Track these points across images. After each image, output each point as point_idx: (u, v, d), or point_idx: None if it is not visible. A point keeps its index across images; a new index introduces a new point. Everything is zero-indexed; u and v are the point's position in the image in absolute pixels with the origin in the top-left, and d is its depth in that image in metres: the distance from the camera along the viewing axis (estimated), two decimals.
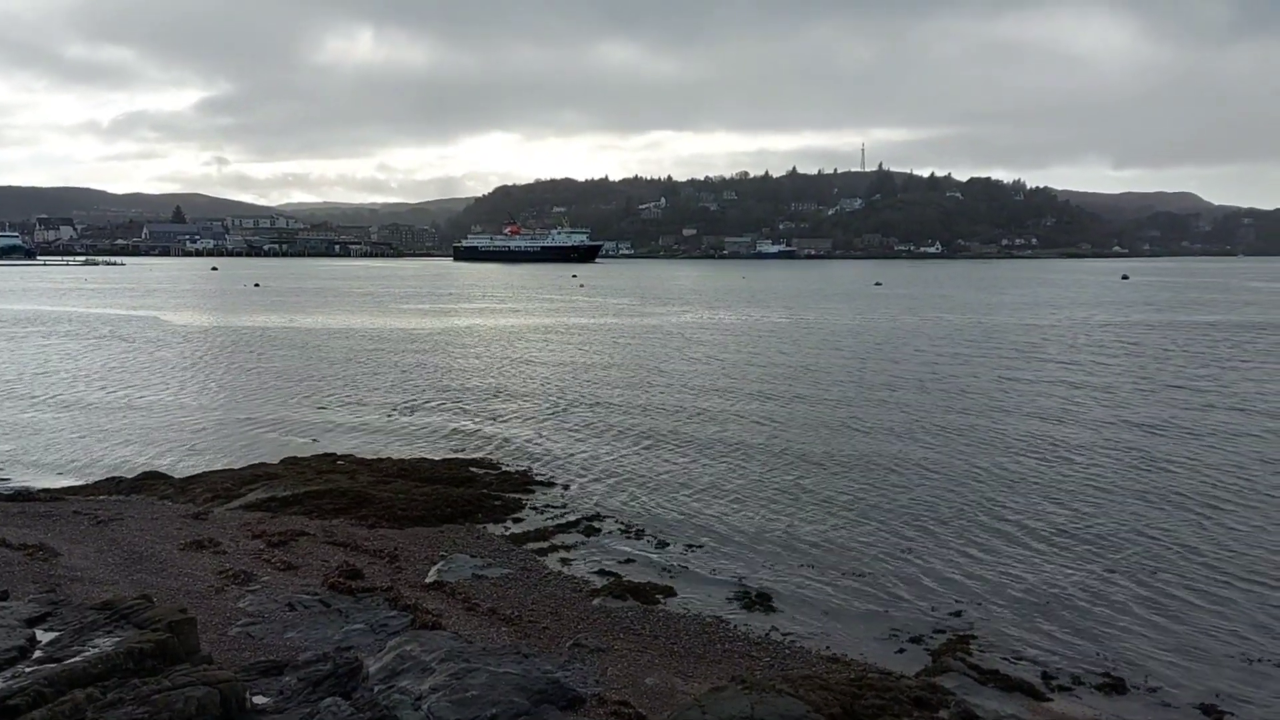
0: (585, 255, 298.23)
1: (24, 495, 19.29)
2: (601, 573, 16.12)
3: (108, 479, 22.14)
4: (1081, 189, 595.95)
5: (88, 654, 9.06)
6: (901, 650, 13.30)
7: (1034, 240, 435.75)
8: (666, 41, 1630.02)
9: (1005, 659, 12.97)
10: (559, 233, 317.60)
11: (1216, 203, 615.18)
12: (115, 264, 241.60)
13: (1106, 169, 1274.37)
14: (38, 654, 9.20)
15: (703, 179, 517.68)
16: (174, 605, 11.01)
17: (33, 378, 39.88)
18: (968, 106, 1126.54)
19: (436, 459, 24.60)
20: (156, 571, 14.06)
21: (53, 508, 17.88)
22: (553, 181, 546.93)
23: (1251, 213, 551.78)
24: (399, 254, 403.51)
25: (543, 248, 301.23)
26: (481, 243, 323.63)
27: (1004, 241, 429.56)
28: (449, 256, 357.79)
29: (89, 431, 28.62)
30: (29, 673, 8.63)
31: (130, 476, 22.24)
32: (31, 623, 9.98)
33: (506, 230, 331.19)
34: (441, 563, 16.03)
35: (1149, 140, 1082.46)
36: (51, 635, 9.68)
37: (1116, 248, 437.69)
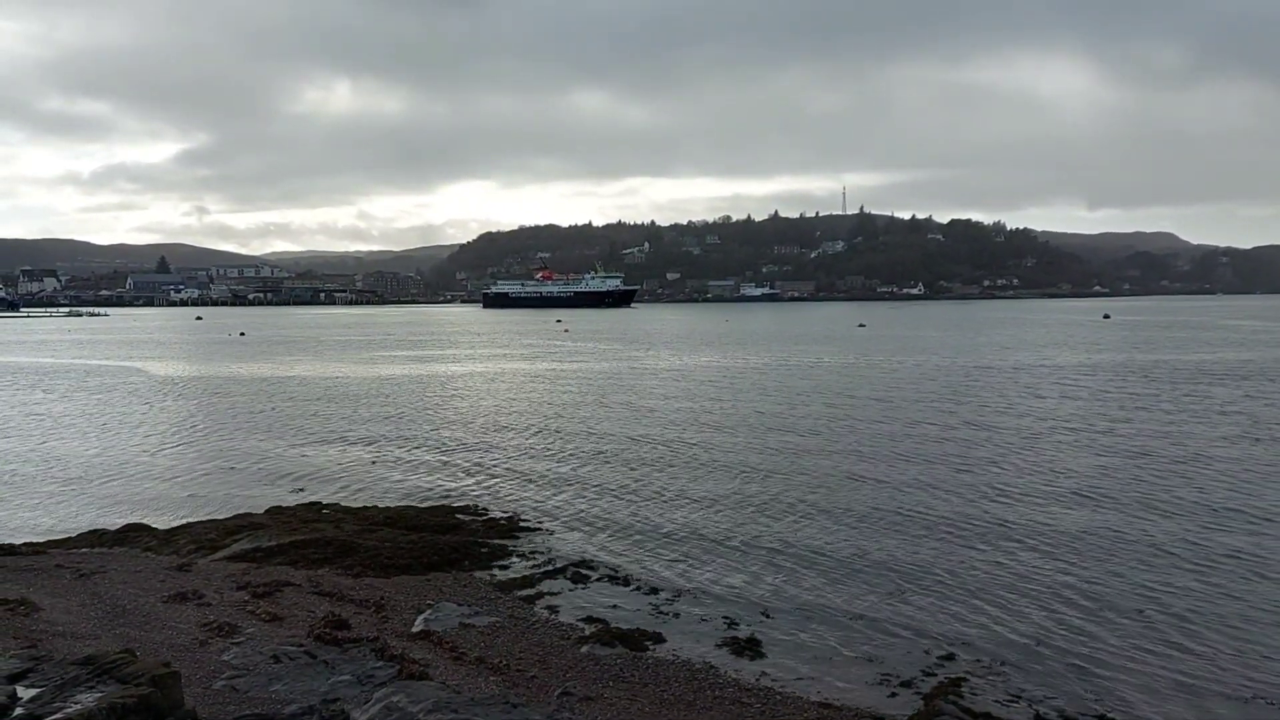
0: (620, 300, 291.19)
1: (4, 549, 19.01)
2: (590, 619, 16.00)
3: (90, 531, 21.88)
4: (1061, 230, 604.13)
5: (70, 711, 8.90)
6: (893, 695, 13.22)
7: (1015, 281, 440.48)
8: (636, 89, 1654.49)
9: (997, 701, 12.91)
10: (592, 277, 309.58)
11: (1195, 242, 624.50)
12: (99, 315, 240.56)
13: (1080, 210, 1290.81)
14: (19, 711, 9.03)
15: (685, 223, 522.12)
16: (157, 659, 10.86)
17: (13, 430, 39.55)
18: (937, 150, 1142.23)
19: (422, 506, 24.44)
20: (140, 625, 13.87)
21: (34, 561, 17.65)
22: (536, 228, 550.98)
23: (1229, 251, 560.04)
24: (384, 301, 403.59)
25: (576, 293, 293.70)
26: (512, 289, 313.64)
27: (985, 282, 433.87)
28: (434, 303, 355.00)
29: (71, 483, 28.35)
30: None
31: (113, 528, 21.97)
32: (12, 679, 9.81)
33: (538, 275, 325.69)
34: (428, 611, 15.89)
35: (1120, 181, 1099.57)
36: (33, 692, 9.51)
37: (1097, 287, 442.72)
